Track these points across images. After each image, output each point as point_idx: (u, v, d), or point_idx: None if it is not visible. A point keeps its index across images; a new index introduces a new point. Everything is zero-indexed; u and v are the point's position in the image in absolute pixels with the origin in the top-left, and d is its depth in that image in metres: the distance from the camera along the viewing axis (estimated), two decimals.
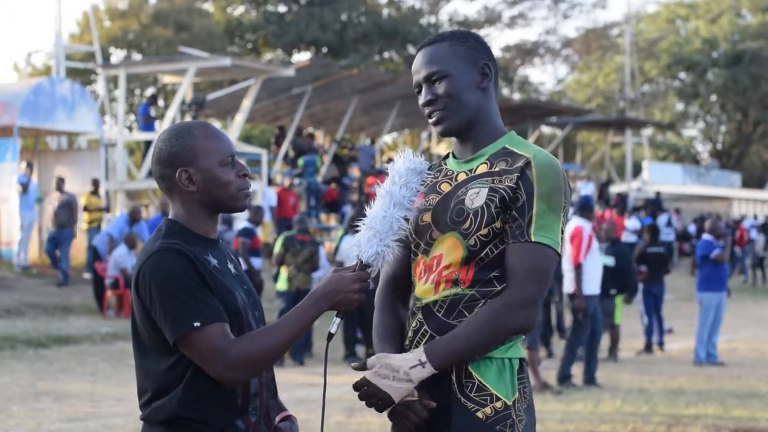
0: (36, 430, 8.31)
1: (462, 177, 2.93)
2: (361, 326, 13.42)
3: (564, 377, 10.98)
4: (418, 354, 2.79)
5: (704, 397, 10.23)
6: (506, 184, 2.83)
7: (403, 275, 3.02)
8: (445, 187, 2.94)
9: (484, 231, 2.82)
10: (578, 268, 10.87)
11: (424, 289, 2.91)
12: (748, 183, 50.65)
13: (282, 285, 12.97)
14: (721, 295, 13.43)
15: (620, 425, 8.60)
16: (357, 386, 2.82)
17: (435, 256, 2.90)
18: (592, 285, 11.01)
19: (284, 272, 12.97)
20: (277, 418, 2.90)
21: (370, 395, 2.79)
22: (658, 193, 32.79)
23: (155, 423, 2.75)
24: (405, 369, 2.77)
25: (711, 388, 11.00)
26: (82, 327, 14.68)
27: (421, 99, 2.96)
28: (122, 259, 15.75)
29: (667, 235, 27.60)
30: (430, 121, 2.96)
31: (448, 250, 2.87)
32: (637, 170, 43.57)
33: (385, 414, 2.87)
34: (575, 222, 11.07)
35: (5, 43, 68.07)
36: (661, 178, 40.31)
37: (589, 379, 11.13)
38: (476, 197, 2.85)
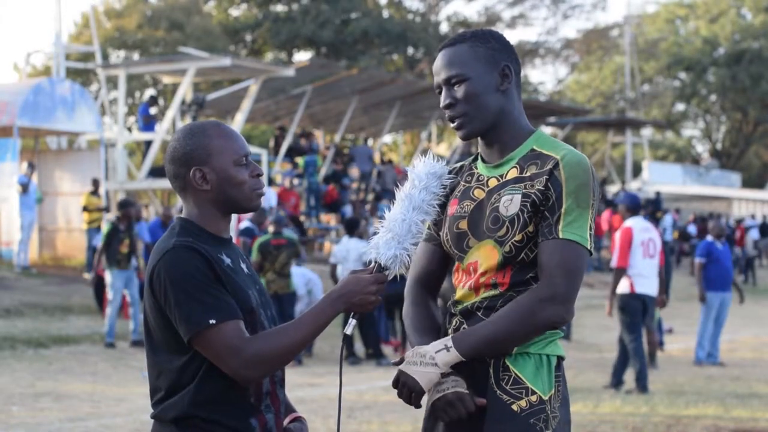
0: (36, 430, 8.31)
1: (493, 183, 2.93)
2: (360, 327, 13.39)
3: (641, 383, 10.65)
4: (445, 339, 2.84)
5: (704, 397, 10.22)
6: (537, 188, 2.85)
7: (434, 272, 3.05)
8: (479, 194, 2.95)
9: (518, 237, 2.85)
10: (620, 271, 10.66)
11: (463, 294, 2.94)
12: (747, 183, 50.67)
13: None
14: (723, 295, 13.44)
15: (620, 425, 8.59)
16: (393, 382, 2.87)
17: (471, 263, 2.92)
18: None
19: (263, 278, 12.79)
20: (287, 420, 2.90)
21: (402, 385, 2.83)
22: (658, 193, 32.82)
23: (165, 421, 2.74)
24: (431, 353, 2.81)
25: (711, 388, 10.99)
26: (82, 327, 14.68)
27: (441, 102, 2.96)
28: None
29: (668, 235, 27.72)
30: (451, 125, 2.96)
31: (485, 256, 2.89)
32: (637, 170, 43.58)
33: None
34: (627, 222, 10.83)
35: (5, 43, 68.10)
36: (661, 178, 40.32)
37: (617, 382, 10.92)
38: (510, 204, 2.86)
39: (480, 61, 2.92)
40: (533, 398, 2.82)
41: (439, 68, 2.96)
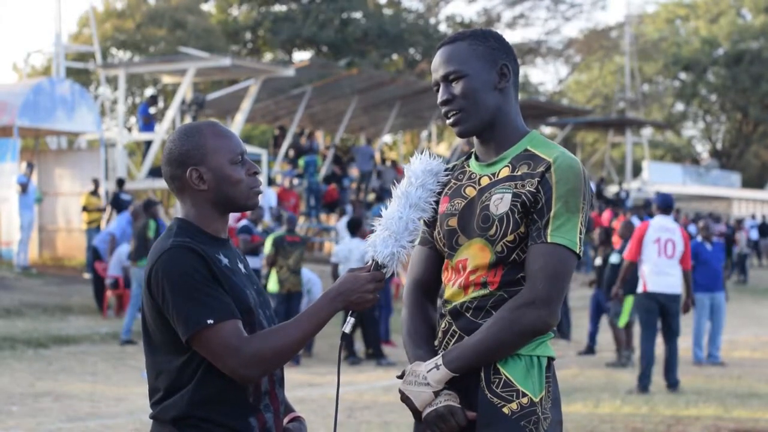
0: (36, 430, 8.30)
1: (485, 181, 2.92)
2: (360, 326, 13.40)
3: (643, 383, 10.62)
4: (436, 358, 2.85)
5: (704, 397, 10.21)
6: (527, 188, 2.84)
7: (433, 277, 3.04)
8: (470, 192, 2.94)
9: (510, 237, 2.84)
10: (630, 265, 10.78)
11: (452, 292, 2.93)
12: (747, 183, 50.69)
13: (273, 287, 12.83)
14: (713, 295, 13.48)
15: (620, 425, 8.59)
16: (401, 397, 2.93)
17: (460, 260, 2.91)
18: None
19: (274, 273, 12.86)
20: (286, 420, 2.90)
21: (403, 401, 2.89)
22: (657, 193, 32.84)
23: (164, 421, 2.75)
24: (423, 373, 2.84)
25: (711, 388, 10.99)
26: (82, 327, 14.68)
27: (438, 98, 2.95)
28: (125, 257, 15.72)
29: None
30: (448, 121, 2.95)
31: (474, 254, 2.88)
32: (637, 170, 43.59)
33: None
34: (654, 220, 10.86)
35: (5, 43, 68.09)
36: (661, 178, 40.34)
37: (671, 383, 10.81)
38: (500, 203, 2.85)
39: (478, 59, 2.91)
40: (524, 400, 2.81)
41: (437, 65, 2.95)
